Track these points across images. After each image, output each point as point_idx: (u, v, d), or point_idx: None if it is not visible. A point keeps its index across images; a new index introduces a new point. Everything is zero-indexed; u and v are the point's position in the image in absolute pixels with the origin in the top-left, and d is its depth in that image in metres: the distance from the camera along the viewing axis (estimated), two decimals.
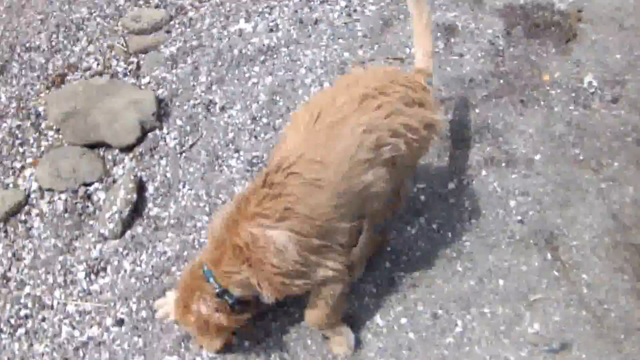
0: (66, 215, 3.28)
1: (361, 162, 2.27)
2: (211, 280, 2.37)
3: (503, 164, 3.24)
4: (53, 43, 4.04)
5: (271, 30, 3.93)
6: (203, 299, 2.40)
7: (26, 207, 3.35)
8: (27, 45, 4.04)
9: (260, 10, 4.08)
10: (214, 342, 2.55)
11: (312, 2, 4.08)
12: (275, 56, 3.79)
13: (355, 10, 4.00)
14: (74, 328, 2.95)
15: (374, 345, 2.75)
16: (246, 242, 2.21)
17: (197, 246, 3.07)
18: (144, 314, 2.91)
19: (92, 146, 3.49)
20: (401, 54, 3.74)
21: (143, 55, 3.92)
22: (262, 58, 3.79)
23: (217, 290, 2.37)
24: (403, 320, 2.81)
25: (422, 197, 3.17)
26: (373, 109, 2.31)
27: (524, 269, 2.91)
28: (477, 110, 3.45)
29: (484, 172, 3.22)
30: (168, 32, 4.03)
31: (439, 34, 3.78)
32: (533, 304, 2.80)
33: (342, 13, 3.99)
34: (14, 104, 3.77)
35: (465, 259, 2.96)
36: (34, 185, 3.40)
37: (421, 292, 2.88)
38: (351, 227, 2.38)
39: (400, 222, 3.07)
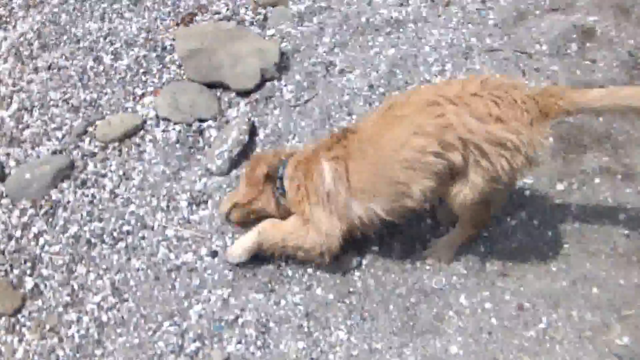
0: (177, 145, 3.58)
1: (399, 159, 2.54)
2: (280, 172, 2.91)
3: (619, 177, 3.28)
4: None
5: (401, 5, 4.10)
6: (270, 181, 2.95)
7: (141, 132, 3.67)
8: None
9: None
10: (240, 211, 3.09)
11: None
12: (401, 30, 3.96)
13: None
14: (170, 251, 3.25)
15: (454, 323, 2.90)
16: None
17: None
18: None
19: (211, 85, 3.78)
20: (530, 50, 3.82)
21: (271, 8, 4.18)
22: (388, 29, 3.97)
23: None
24: (487, 305, 2.94)
25: (527, 192, 3.27)
26: (434, 116, 2.46)
27: (621, 282, 2.96)
28: (600, 119, 3.49)
29: (597, 180, 3.27)
30: None
31: (574, 35, 3.84)
32: (625, 318, 2.86)
33: None
34: (143, 35, 4.12)
35: (562, 261, 3.04)
36: (152, 113, 3.72)
37: (510, 282, 3.00)
38: (379, 207, 2.71)
39: (501, 213, 3.19)
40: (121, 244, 3.31)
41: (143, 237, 3.32)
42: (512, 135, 2.41)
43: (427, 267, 3.07)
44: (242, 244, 3.04)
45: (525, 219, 3.18)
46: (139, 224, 3.36)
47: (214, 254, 3.21)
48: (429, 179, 2.55)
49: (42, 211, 3.45)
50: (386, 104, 2.70)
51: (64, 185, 3.52)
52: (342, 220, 2.77)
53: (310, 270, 3.11)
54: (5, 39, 4.22)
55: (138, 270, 3.21)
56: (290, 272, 3.13)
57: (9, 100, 3.91)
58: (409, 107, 2.55)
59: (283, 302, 3.04)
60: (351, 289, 3.04)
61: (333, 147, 2.73)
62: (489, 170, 2.49)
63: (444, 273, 3.04)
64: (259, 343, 2.94)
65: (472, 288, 2.99)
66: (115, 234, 3.33)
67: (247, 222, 3.13)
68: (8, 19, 4.32)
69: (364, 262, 3.11)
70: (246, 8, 4.19)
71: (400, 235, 3.16)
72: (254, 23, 4.11)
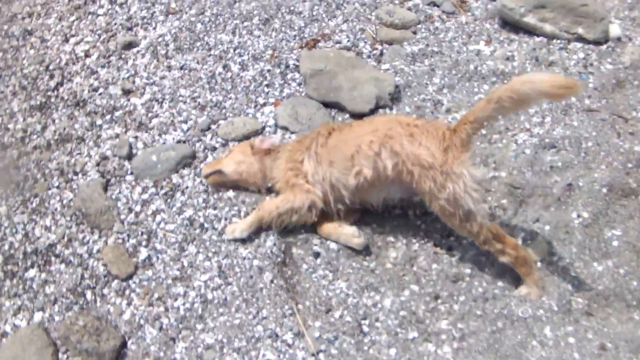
0: None
1: (353, 144, 3.37)
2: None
3: None
4: (314, 13, 4.81)
5: (507, 59, 4.44)
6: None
7: (259, 136, 4.04)
8: (291, 9, 4.83)
9: (501, 39, 4.61)
10: (220, 177, 3.73)
11: (551, 46, 4.54)
12: (505, 81, 4.28)
13: (592, 64, 4.41)
14: (274, 245, 3.55)
15: (537, 352, 3.10)
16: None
17: None
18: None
19: (328, 104, 4.15)
20: (627, 115, 4.09)
21: (388, 45, 4.57)
22: (493, 79, 4.30)
23: None
24: (571, 340, 3.13)
25: (615, 243, 3.49)
26: (386, 128, 3.32)
27: None
28: None
29: None
30: (414, 32, 4.67)
31: None
32: None
33: (578, 63, 4.42)
34: (269, 52, 4.53)
35: None
36: (271, 121, 4.09)
37: (594, 322, 3.20)
38: (334, 175, 3.45)
39: (589, 257, 3.41)
40: None
41: None
42: (429, 158, 3.14)
43: (515, 296, 3.28)
44: (245, 221, 3.55)
45: (611, 267, 3.39)
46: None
47: (316, 255, 3.49)
48: (366, 167, 3.31)
49: (162, 192, 3.80)
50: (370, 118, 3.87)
51: (185, 171, 3.88)
52: (317, 185, 3.48)
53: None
54: (145, 37, 4.70)
55: (244, 258, 3.49)
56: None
57: (142, 90, 4.34)
58: (378, 120, 3.63)
59: (379, 301, 3.29)
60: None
61: (311, 145, 3.53)
62: (412, 181, 3.22)
63: (531, 304, 3.25)
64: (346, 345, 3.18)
65: (557, 322, 3.19)
66: (227, 222, 3.64)
67: (221, 186, 3.76)
68: (149, 22, 4.81)
69: (463, 284, 3.35)
70: (365, 42, 4.58)
71: (492, 267, 3.40)
72: (371, 56, 4.49)
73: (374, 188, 3.40)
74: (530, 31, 4.61)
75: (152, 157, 3.90)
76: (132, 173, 3.92)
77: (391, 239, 3.57)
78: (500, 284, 3.36)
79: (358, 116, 4.07)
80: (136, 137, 4.08)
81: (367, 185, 3.37)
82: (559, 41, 4.54)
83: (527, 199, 3.62)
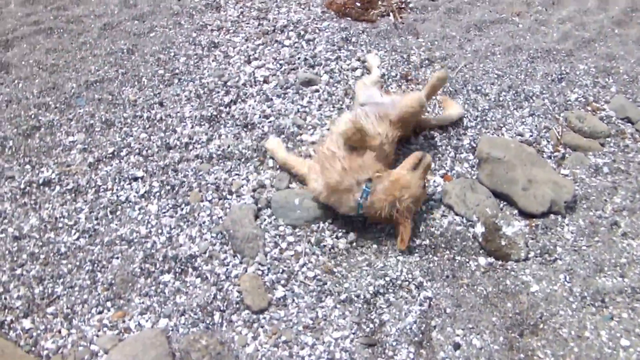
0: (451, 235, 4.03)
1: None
2: None
3: None
4: (500, 98, 4.96)
5: None
6: None
7: None
8: (478, 87, 5.02)
9: None
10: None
11: None
12: None
13: None
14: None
15: None
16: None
17: None
18: None
19: (498, 195, 4.23)
20: None
21: (571, 151, 4.64)
22: None
23: None
24: None
25: None
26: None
27: None
28: None
29: None
30: (602, 145, 4.71)
31: None
32: None
33: None
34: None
35: None
36: (437, 195, 4.23)
37: None
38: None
39: None
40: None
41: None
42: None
43: None
44: None
45: None
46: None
47: (456, 346, 3.52)
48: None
49: (310, 237, 3.98)
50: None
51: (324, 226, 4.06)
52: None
53: None
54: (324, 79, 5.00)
55: (382, 324, 3.57)
56: None
57: (312, 130, 4.60)
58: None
59: None
60: None
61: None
62: None
63: None
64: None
65: None
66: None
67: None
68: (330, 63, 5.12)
69: None
70: (548, 141, 4.67)
71: None
72: (552, 157, 4.56)
73: None
74: None
75: (295, 199, 4.11)
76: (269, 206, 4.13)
77: None
78: None
79: (528, 215, 4.12)
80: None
81: None
82: None
83: None
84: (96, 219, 4.10)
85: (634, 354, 3.45)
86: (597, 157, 4.61)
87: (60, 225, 4.03)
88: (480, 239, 3.98)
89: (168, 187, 4.27)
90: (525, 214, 4.16)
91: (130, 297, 3.72)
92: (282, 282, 3.78)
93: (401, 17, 5.83)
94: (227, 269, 3.83)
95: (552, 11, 6.44)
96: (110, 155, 4.49)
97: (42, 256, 3.86)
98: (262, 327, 3.61)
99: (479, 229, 4.00)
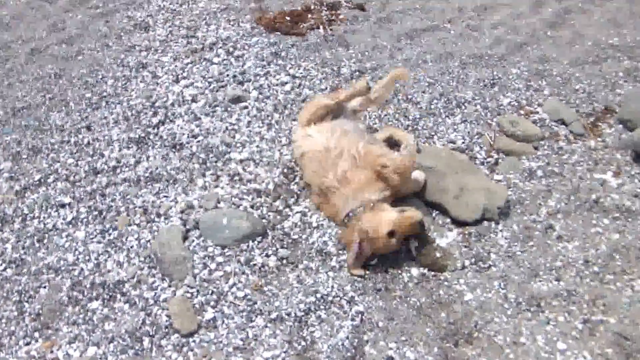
0: None
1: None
2: None
3: None
4: (432, 106, 5.01)
5: (636, 196, 4.43)
6: None
7: None
8: (409, 97, 5.07)
9: (632, 173, 4.62)
10: None
11: None
12: (629, 219, 4.23)
13: None
14: None
15: None
16: None
17: None
18: None
19: (429, 204, 4.26)
20: None
21: (504, 156, 4.69)
22: (616, 214, 4.29)
23: None
24: None
25: None
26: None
27: None
28: None
29: None
30: (536, 148, 4.77)
31: None
32: None
33: None
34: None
35: None
36: None
37: None
38: None
39: None
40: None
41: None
42: None
43: None
44: None
45: None
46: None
47: (389, 359, 3.51)
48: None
49: (240, 257, 3.95)
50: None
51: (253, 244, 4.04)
52: None
53: None
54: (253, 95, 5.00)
55: (313, 342, 3.55)
56: None
57: (242, 147, 4.58)
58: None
59: None
60: None
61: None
62: None
63: None
64: None
65: None
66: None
67: None
68: (259, 79, 5.12)
69: None
70: (481, 147, 4.72)
71: None
72: (484, 164, 4.61)
73: None
74: None
75: (223, 219, 4.07)
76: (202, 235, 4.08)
77: None
78: None
79: (461, 224, 4.14)
80: (224, 192, 4.29)
81: None
82: None
83: (635, 354, 3.55)
84: (23, 248, 4.03)
85: (571, 357, 3.46)
86: (530, 160, 4.67)
87: None
88: (414, 253, 3.97)
89: (95, 213, 4.21)
90: (458, 222, 4.18)
91: (59, 327, 3.65)
92: (212, 303, 3.73)
93: (331, 29, 5.88)
94: (155, 293, 3.78)
95: (484, 16, 6.56)
96: (37, 182, 4.45)
97: None
98: (191, 350, 3.55)
99: (413, 243, 3.99)
